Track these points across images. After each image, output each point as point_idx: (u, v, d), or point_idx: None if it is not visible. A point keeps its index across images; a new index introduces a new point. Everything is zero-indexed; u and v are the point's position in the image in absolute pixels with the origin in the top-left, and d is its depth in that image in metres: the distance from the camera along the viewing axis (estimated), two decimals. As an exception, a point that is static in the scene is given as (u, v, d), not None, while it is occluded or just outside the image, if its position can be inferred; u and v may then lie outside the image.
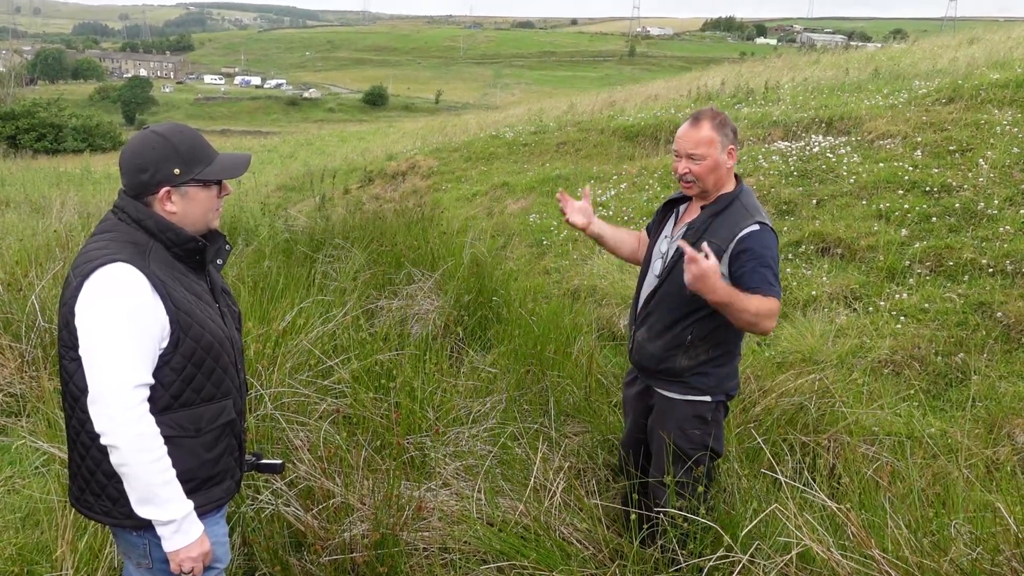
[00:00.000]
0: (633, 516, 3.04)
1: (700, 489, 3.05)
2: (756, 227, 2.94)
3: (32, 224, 8.65)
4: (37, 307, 5.02)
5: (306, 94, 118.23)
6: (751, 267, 2.91)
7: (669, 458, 3.11)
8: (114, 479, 2.11)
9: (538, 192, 11.26)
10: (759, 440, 3.70)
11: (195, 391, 2.17)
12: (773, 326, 2.98)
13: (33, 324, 4.92)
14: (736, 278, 2.93)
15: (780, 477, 3.26)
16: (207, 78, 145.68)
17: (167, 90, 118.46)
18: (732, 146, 3.02)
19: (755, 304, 2.83)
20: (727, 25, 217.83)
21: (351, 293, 5.76)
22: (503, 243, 8.85)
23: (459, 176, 13.97)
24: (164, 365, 2.10)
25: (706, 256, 2.73)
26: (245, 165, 2.29)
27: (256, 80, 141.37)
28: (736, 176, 3.12)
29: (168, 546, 2.10)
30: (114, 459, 2.02)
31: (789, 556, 2.77)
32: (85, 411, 2.06)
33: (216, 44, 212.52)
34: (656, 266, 3.20)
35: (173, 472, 2.07)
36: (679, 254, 3.04)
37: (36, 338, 4.88)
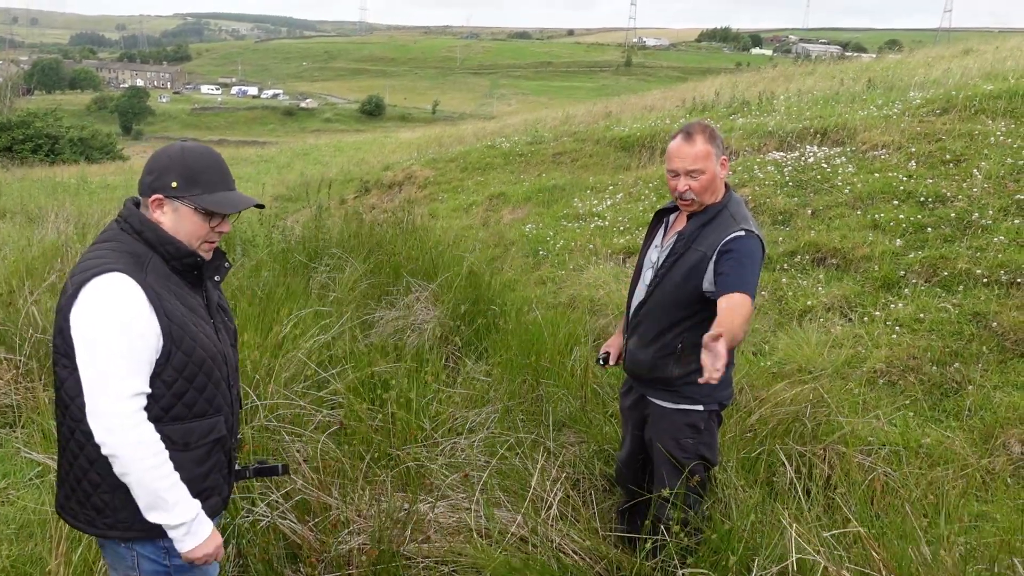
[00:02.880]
0: (644, 541, 3.02)
1: (703, 506, 3.05)
2: (742, 233, 2.95)
3: (28, 235, 8.63)
4: (34, 318, 5.01)
5: (303, 104, 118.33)
6: (731, 266, 2.90)
7: (667, 470, 3.12)
8: (99, 489, 2.12)
9: (534, 202, 11.29)
10: (757, 450, 3.70)
11: (187, 406, 2.17)
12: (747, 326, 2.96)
13: (28, 335, 4.91)
14: (715, 278, 2.94)
15: (777, 487, 3.26)
16: (204, 88, 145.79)
17: (164, 100, 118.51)
18: (724, 157, 3.05)
19: (739, 316, 2.73)
20: (723, 35, 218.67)
21: (348, 304, 5.75)
22: (499, 253, 8.86)
23: (455, 186, 14.00)
24: (155, 377, 2.10)
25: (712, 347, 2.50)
26: (241, 205, 2.23)
27: (253, 90, 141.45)
28: (726, 184, 3.13)
29: (182, 547, 2.12)
30: (116, 469, 2.03)
31: (785, 564, 2.77)
32: (75, 419, 2.07)
33: (213, 54, 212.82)
34: (647, 275, 3.22)
35: (176, 476, 2.08)
36: (669, 264, 3.06)
37: (31, 349, 4.87)
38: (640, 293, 3.23)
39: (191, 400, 2.17)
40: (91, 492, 2.14)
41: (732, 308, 2.75)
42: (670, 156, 3.05)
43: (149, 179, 2.16)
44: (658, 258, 3.18)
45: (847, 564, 2.77)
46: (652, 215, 3.42)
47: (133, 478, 2.02)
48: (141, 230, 2.15)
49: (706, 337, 2.50)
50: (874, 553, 2.73)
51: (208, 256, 2.27)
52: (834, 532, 3.01)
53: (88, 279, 2.03)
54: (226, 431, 2.31)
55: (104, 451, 2.01)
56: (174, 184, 2.14)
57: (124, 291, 2.03)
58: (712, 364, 2.45)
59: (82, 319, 2.03)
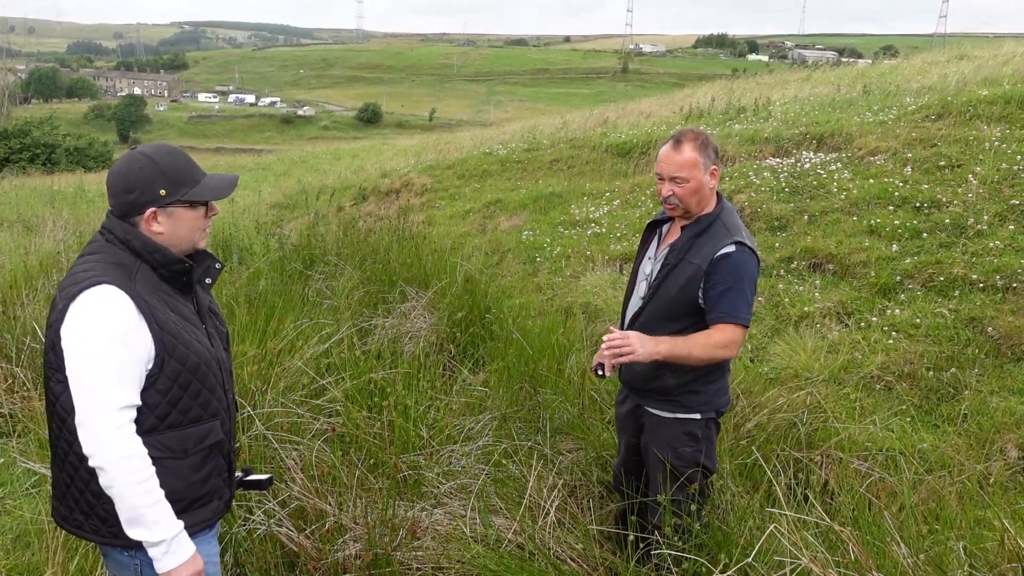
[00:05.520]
0: (631, 537, 3.03)
1: (693, 507, 3.05)
2: (732, 248, 2.95)
3: (25, 243, 8.63)
4: (33, 327, 5.01)
5: (300, 112, 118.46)
6: (719, 291, 2.93)
7: (662, 476, 3.12)
8: (103, 499, 2.11)
9: (531, 209, 11.30)
10: (754, 457, 3.70)
11: (182, 412, 2.17)
12: (734, 353, 3.03)
13: (25, 344, 4.91)
14: (705, 299, 2.96)
15: (775, 493, 3.26)
16: (201, 96, 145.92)
17: (161, 108, 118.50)
18: (715, 167, 3.04)
19: (703, 342, 2.90)
20: (719, 42, 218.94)
21: (344, 311, 5.76)
22: (496, 260, 8.86)
23: (453, 193, 14.01)
24: (150, 387, 2.11)
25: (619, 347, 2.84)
26: (232, 186, 2.29)
27: (250, 98, 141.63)
28: (718, 194, 3.14)
29: (160, 567, 2.10)
30: (102, 481, 2.03)
31: (783, 572, 2.77)
32: (72, 432, 2.07)
33: (210, 62, 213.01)
34: (641, 287, 3.23)
35: (161, 493, 2.08)
36: (663, 276, 3.07)
37: (27, 358, 4.87)
38: (635, 305, 3.24)
39: (186, 407, 2.18)
40: (95, 503, 2.15)
41: (707, 335, 2.91)
42: (658, 161, 3.09)
43: (132, 197, 2.14)
44: (652, 270, 3.19)
45: (839, 568, 2.77)
46: (649, 221, 3.42)
47: (116, 491, 2.02)
48: (127, 239, 2.15)
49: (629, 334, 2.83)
50: (855, 553, 2.73)
51: (204, 244, 2.29)
52: (820, 533, 3.01)
53: (77, 293, 2.04)
54: (223, 435, 2.31)
55: (91, 463, 2.01)
56: (163, 192, 2.15)
57: (113, 303, 2.04)
58: (609, 346, 2.83)
59: (72, 333, 2.03)
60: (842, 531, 2.79)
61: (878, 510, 3.45)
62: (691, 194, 3.01)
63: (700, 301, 2.99)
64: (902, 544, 2.89)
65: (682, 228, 3.11)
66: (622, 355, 2.83)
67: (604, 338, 2.90)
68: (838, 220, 7.57)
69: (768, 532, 2.93)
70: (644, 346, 2.84)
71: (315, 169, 30.61)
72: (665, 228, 3.28)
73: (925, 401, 4.92)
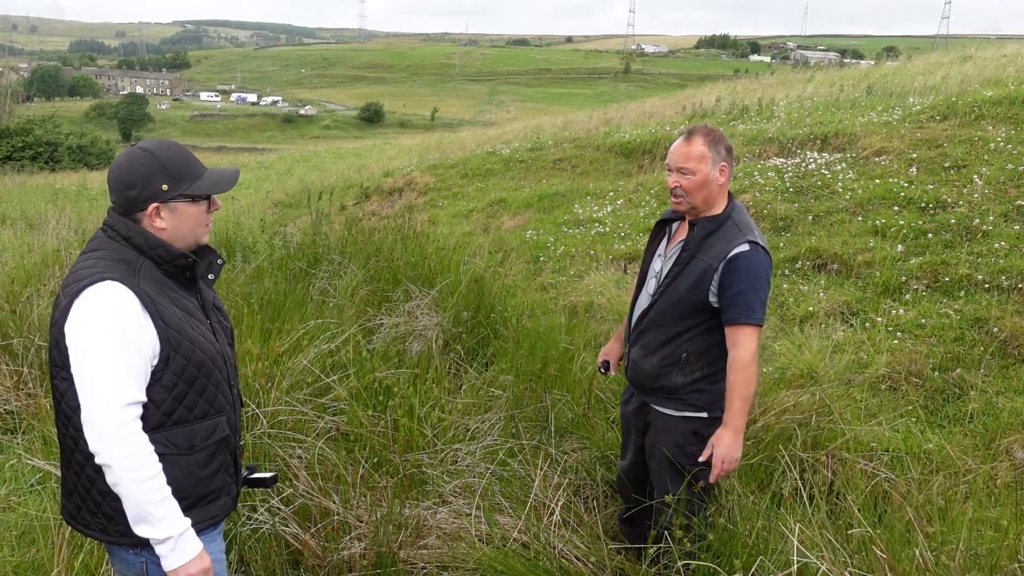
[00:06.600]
0: (650, 551, 3.01)
1: (708, 511, 3.05)
2: (746, 247, 2.94)
3: (28, 241, 8.64)
4: (38, 324, 5.01)
5: (302, 111, 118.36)
6: (735, 291, 2.92)
7: (669, 476, 3.12)
8: (109, 497, 2.10)
9: (535, 208, 11.29)
10: (760, 456, 3.69)
11: (188, 408, 2.16)
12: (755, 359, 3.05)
13: (30, 342, 4.91)
14: (720, 299, 2.96)
15: (782, 493, 3.25)
16: (203, 95, 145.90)
17: (163, 107, 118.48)
18: (724, 164, 3.03)
19: (740, 378, 2.94)
20: (721, 42, 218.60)
21: (349, 310, 5.75)
22: (500, 260, 8.85)
23: (456, 193, 14.00)
24: (155, 383, 2.09)
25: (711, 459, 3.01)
26: (233, 180, 2.28)
27: (252, 97, 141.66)
28: (729, 193, 3.12)
29: (167, 564, 2.08)
30: (108, 478, 2.02)
31: (789, 571, 2.76)
32: (78, 430, 2.06)
33: (212, 61, 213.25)
34: (650, 285, 3.21)
35: (168, 490, 2.06)
36: (674, 274, 3.05)
37: (32, 356, 4.86)
38: (643, 302, 3.23)
39: (192, 403, 2.17)
40: (101, 501, 2.14)
41: (735, 370, 2.95)
42: (669, 151, 3.11)
43: (134, 193, 2.13)
44: (662, 268, 3.18)
45: (850, 568, 2.76)
46: (653, 222, 3.41)
47: (123, 489, 2.01)
48: (129, 236, 2.14)
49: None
50: (880, 554, 2.72)
51: (206, 239, 2.28)
52: (838, 535, 3.00)
53: (81, 289, 2.02)
54: (229, 431, 2.31)
55: (96, 460, 2.00)
56: (165, 187, 2.13)
57: (117, 299, 2.02)
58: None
59: (76, 330, 2.02)
60: (871, 533, 2.78)
61: (884, 510, 3.44)
62: (697, 187, 3.00)
63: (711, 300, 2.98)
64: (918, 544, 2.88)
65: (691, 226, 3.09)
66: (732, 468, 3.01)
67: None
68: (843, 220, 7.57)
69: (773, 529, 2.92)
70: (733, 446, 2.99)
71: (317, 168, 30.63)
72: (675, 226, 3.26)
73: (930, 401, 4.91)
